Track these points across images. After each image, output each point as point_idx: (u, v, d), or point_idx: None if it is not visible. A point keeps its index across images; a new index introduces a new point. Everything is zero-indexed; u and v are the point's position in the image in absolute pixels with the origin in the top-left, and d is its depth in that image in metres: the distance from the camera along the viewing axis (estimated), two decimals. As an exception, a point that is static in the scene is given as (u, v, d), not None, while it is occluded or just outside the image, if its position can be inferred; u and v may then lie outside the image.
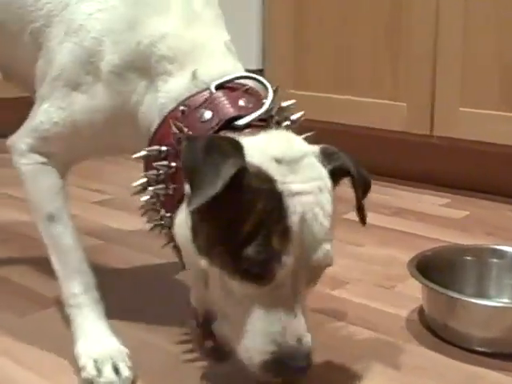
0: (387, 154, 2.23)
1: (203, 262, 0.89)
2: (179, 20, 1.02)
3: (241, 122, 0.94)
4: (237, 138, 0.89)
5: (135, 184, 1.01)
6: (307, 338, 0.89)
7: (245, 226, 0.85)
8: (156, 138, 0.99)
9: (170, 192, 0.98)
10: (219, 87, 0.98)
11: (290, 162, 0.89)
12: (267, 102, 0.96)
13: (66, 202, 1.12)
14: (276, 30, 2.34)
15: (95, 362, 1.04)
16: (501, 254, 1.33)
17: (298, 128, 1.02)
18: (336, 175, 0.95)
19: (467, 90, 1.97)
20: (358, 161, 0.98)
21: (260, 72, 2.39)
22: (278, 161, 0.88)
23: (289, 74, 2.33)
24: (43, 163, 1.10)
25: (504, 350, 1.14)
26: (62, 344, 1.13)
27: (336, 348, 1.16)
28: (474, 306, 1.15)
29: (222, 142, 0.88)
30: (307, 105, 2.27)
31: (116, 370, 1.03)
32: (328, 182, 0.93)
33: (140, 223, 1.79)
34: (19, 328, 1.21)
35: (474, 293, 1.28)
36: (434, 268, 1.27)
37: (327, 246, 0.89)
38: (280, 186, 0.86)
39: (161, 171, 0.98)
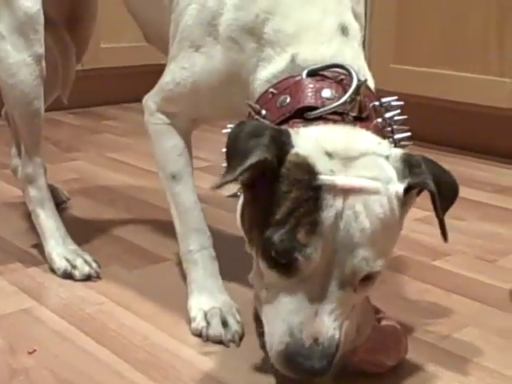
0: (491, 131, 2.19)
1: (247, 244, 0.91)
2: None
3: (312, 113, 0.90)
4: (289, 128, 0.87)
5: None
6: (326, 340, 0.84)
7: (277, 213, 0.83)
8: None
9: None
10: (311, 74, 0.94)
11: (344, 159, 0.84)
12: (344, 97, 0.91)
13: (190, 163, 1.16)
14: (380, 3, 2.32)
15: (205, 313, 1.08)
16: None
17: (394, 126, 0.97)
18: (413, 188, 0.88)
19: None
20: (444, 169, 0.90)
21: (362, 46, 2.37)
22: (330, 155, 0.84)
23: (391, 47, 2.31)
24: (168, 124, 1.14)
25: None
26: (173, 296, 1.18)
27: (440, 315, 1.17)
28: None
29: (264, 131, 0.84)
30: (408, 79, 2.27)
31: (225, 323, 1.07)
32: (392, 187, 0.85)
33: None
34: (129, 280, 1.27)
35: None
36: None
37: (365, 253, 0.83)
38: (320, 179, 0.82)
39: None
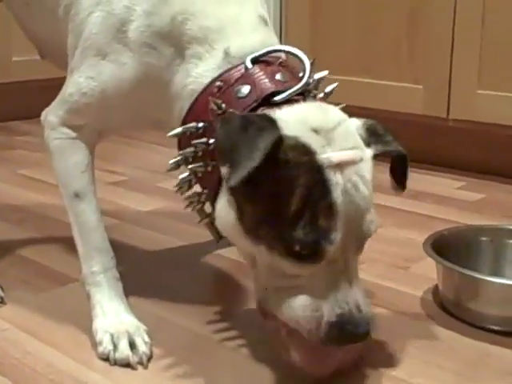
0: (404, 136, 2.21)
1: (249, 242, 0.90)
2: None
3: (279, 98, 0.93)
4: (271, 113, 0.89)
5: (171, 162, 1.00)
6: (366, 307, 0.90)
7: (289, 203, 0.85)
8: (191, 114, 0.98)
9: (209, 169, 0.97)
10: (254, 62, 0.96)
11: (326, 131, 0.88)
12: (305, 76, 0.95)
13: (93, 180, 1.12)
14: (293, 12, 2.34)
15: (111, 336, 1.05)
16: (517, 235, 1.33)
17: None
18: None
19: (485, 73, 1.95)
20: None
21: (276, 54, 2.38)
22: (316, 131, 0.87)
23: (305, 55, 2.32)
24: (72, 138, 1.11)
25: (519, 328, 1.14)
26: (79, 320, 1.14)
27: (350, 326, 1.17)
28: (489, 284, 1.15)
29: (256, 119, 0.87)
30: (324, 87, 2.29)
31: (132, 345, 1.04)
32: (365, 151, 0.92)
33: (155, 204, 1.81)
34: (36, 304, 1.23)
35: (489, 273, 1.28)
36: (450, 248, 1.27)
37: (370, 216, 0.90)
38: (320, 158, 0.86)
39: (198, 148, 0.97)
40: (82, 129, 1.11)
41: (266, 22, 1.03)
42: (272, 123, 0.86)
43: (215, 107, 0.95)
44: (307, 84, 0.95)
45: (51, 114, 1.12)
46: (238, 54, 0.97)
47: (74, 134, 1.11)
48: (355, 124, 0.95)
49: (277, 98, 0.92)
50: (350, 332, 0.88)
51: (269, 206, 0.86)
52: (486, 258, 1.32)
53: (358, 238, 0.90)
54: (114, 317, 1.08)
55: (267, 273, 0.92)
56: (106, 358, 1.04)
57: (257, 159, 0.82)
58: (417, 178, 2.04)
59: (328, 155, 0.86)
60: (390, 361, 1.06)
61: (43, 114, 1.14)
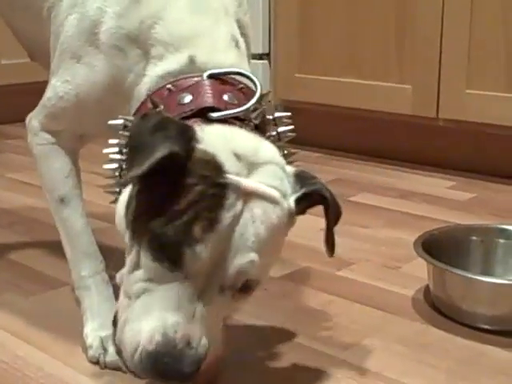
0: (393, 137, 2.23)
1: (128, 237, 0.85)
2: (186, 3, 0.98)
3: (215, 115, 0.89)
4: (201, 126, 0.85)
5: (105, 151, 0.96)
6: (199, 345, 0.79)
7: (176, 203, 0.79)
8: (138, 112, 0.95)
9: None
10: (212, 77, 0.93)
11: (251, 164, 0.83)
12: (249, 103, 0.91)
13: (78, 185, 1.11)
14: (282, 13, 2.34)
15: (101, 340, 1.05)
16: (507, 234, 1.33)
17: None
18: (307, 200, 0.88)
19: (473, 73, 1.96)
20: (331, 191, 0.91)
21: (266, 56, 2.38)
22: (238, 157, 0.82)
23: (295, 57, 2.32)
24: (53, 143, 1.10)
25: (509, 327, 1.14)
26: (70, 324, 1.14)
27: (342, 326, 1.17)
28: (480, 283, 1.15)
29: (170, 125, 0.82)
30: (313, 88, 2.30)
31: (123, 349, 1.03)
32: (285, 203, 0.85)
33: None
34: (26, 308, 1.22)
35: (479, 272, 1.28)
36: (441, 247, 1.27)
37: (255, 257, 0.81)
38: (229, 178, 0.80)
39: (123, 141, 0.94)
40: (61, 134, 1.10)
41: (238, 46, 1.00)
42: (183, 134, 0.81)
43: (151, 105, 0.93)
44: (248, 110, 0.90)
45: (33, 119, 1.11)
46: (203, 65, 0.94)
47: (54, 140, 1.10)
48: (286, 170, 0.88)
49: (213, 115, 0.89)
50: (168, 366, 0.78)
51: (156, 201, 0.81)
52: (477, 258, 1.32)
53: (231, 272, 0.80)
54: (103, 321, 1.07)
55: (130, 273, 0.84)
56: (96, 362, 1.04)
57: (144, 168, 0.78)
58: (407, 178, 2.05)
59: (238, 179, 0.81)
60: (381, 361, 1.06)
61: (27, 118, 1.13)
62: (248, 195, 0.81)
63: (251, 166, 0.83)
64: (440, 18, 1.99)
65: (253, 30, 2.50)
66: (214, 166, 0.81)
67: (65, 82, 1.04)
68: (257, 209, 0.82)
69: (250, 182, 0.82)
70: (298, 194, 0.86)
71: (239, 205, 0.80)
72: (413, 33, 2.06)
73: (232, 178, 0.81)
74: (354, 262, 1.43)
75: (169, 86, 0.93)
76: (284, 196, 0.85)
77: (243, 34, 1.03)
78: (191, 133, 0.83)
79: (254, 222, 0.81)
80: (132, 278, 0.84)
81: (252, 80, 0.94)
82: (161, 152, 0.78)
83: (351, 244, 1.52)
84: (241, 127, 0.88)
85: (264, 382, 1.01)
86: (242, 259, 0.80)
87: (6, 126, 2.73)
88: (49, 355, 1.07)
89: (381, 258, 1.46)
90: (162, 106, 0.92)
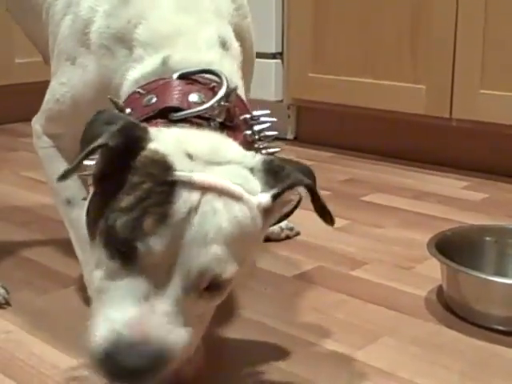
0: (407, 137, 2.22)
1: (90, 238, 0.85)
2: (174, 3, 0.97)
3: (176, 115, 0.88)
4: (152, 126, 0.84)
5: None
6: (157, 343, 0.76)
7: (124, 200, 0.78)
8: None
9: None
10: (182, 77, 0.91)
11: (206, 163, 0.81)
12: (210, 101, 0.89)
13: (82, 186, 1.11)
14: (295, 12, 2.34)
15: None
16: (521, 235, 1.33)
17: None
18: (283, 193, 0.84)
19: (487, 73, 1.95)
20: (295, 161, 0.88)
21: (280, 55, 2.38)
22: (191, 157, 0.80)
23: (308, 56, 2.32)
24: (55, 146, 1.11)
25: (524, 328, 1.14)
26: (84, 321, 1.14)
27: (355, 326, 1.17)
28: (494, 284, 1.15)
29: (117, 121, 0.81)
30: (326, 88, 2.30)
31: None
32: (254, 200, 0.82)
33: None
34: (41, 306, 1.23)
35: (493, 273, 1.27)
36: (454, 248, 1.27)
37: (219, 251, 0.77)
38: (177, 175, 0.78)
39: None
40: (61, 137, 1.10)
41: (226, 47, 0.98)
42: (130, 130, 0.80)
43: (115, 109, 0.92)
44: (211, 108, 0.88)
45: (36, 122, 1.12)
46: (175, 65, 0.93)
47: (55, 143, 1.11)
48: (253, 168, 0.84)
49: (173, 115, 0.88)
50: (120, 364, 0.74)
51: (108, 202, 0.81)
52: (491, 258, 1.31)
53: (194, 268, 0.77)
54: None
55: (96, 271, 0.83)
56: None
57: (78, 159, 0.79)
58: (420, 178, 2.04)
59: (190, 175, 0.79)
60: (394, 361, 1.06)
61: (33, 120, 1.14)
62: (206, 190, 0.78)
63: (207, 165, 0.81)
64: (454, 19, 1.98)
65: (266, 29, 2.51)
66: (164, 165, 0.79)
67: (61, 85, 1.05)
68: (217, 202, 0.79)
69: (203, 176, 0.79)
70: (275, 192, 0.83)
71: (195, 198, 0.78)
72: (427, 33, 2.05)
73: (182, 174, 0.78)
74: (367, 262, 1.43)
75: (139, 89, 0.92)
76: (250, 193, 0.82)
77: (240, 38, 1.02)
78: (141, 133, 0.81)
79: (214, 214, 0.78)
80: (94, 278, 0.83)
81: (220, 77, 0.92)
82: (94, 144, 0.78)
83: (364, 244, 1.52)
84: (202, 127, 0.87)
85: (276, 381, 1.01)
86: (205, 255, 0.77)
87: (20, 124, 2.74)
88: (64, 353, 1.07)
89: (394, 258, 1.46)
90: (128, 110, 0.91)
